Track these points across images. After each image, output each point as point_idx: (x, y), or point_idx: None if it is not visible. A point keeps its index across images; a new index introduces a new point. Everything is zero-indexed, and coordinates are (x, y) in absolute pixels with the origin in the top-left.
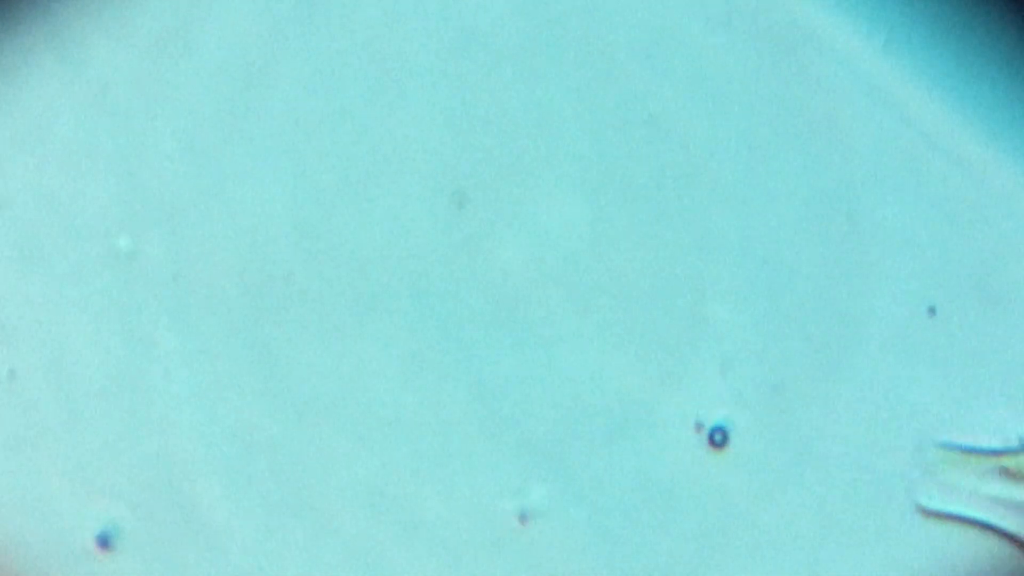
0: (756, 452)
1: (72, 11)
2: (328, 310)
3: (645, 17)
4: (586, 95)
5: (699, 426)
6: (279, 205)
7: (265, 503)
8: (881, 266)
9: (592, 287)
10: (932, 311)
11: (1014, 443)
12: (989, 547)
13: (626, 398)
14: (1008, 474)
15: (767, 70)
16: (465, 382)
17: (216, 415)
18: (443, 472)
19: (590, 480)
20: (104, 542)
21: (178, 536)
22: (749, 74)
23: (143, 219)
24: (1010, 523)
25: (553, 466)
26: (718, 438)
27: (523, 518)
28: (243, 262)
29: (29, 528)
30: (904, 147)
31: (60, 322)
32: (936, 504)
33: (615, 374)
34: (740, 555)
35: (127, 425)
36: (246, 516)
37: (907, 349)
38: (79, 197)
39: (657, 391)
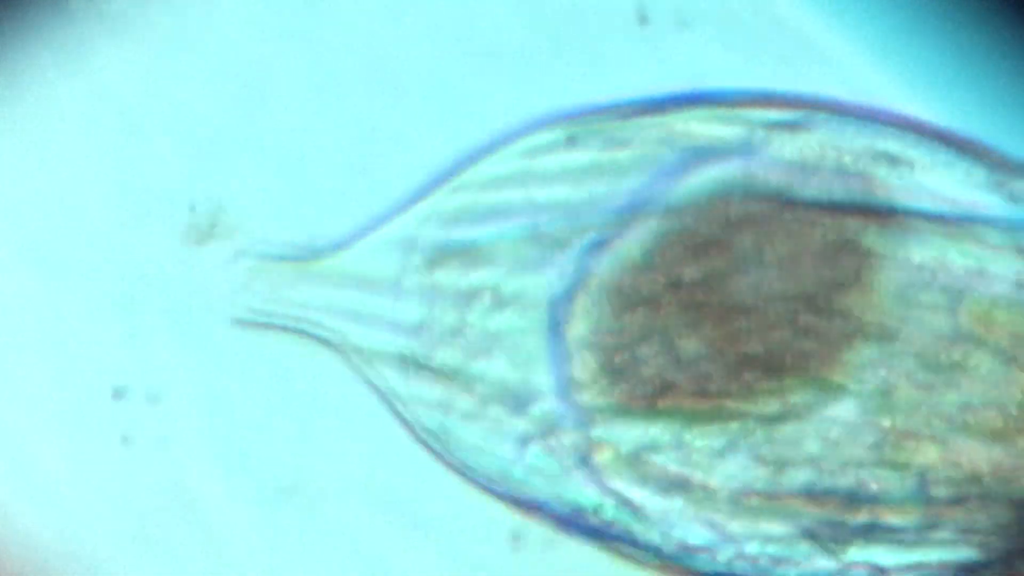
0: None
1: (73, 11)
2: None
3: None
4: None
5: None
6: (279, 205)
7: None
8: None
9: None
10: None
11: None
12: (307, 349)
13: None
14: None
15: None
16: None
17: (215, 416)
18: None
19: None
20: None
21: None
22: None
23: (143, 219)
24: (329, 321)
25: None
26: None
27: None
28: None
29: (30, 526)
30: None
31: (62, 321)
32: (251, 315)
33: None
34: None
35: (127, 423)
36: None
37: None
38: (80, 197)
39: None
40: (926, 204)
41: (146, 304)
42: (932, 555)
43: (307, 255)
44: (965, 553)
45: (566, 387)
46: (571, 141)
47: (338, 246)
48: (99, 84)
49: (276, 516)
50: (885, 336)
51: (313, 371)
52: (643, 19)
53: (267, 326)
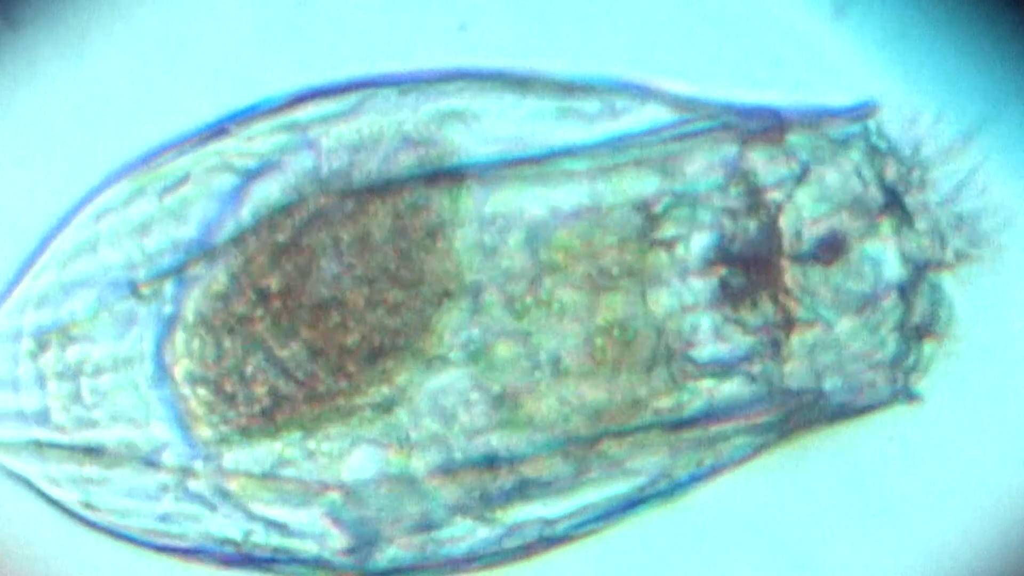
0: None
1: (73, 10)
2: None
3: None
4: None
5: None
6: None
7: None
8: None
9: None
10: None
11: None
12: None
13: None
14: None
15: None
16: None
17: None
18: None
19: None
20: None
21: None
22: None
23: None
24: None
25: None
26: None
27: None
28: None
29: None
30: None
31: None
32: None
33: None
34: None
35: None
36: None
37: None
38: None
39: None
40: (496, 152)
41: None
42: (592, 495)
43: None
44: (621, 485)
45: (186, 427)
46: None
47: None
48: (99, 84)
49: None
50: (470, 295)
51: None
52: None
53: None
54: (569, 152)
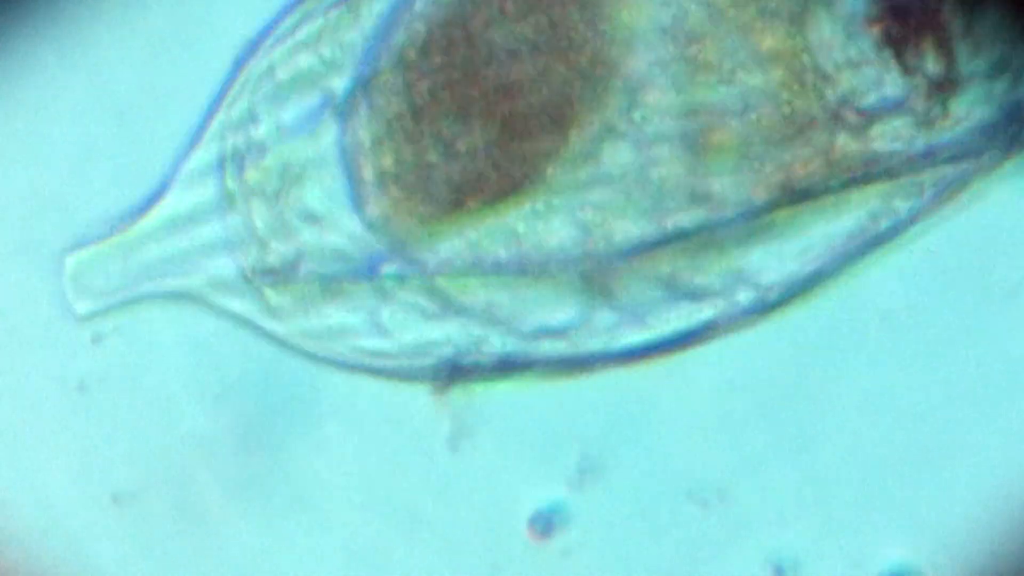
0: None
1: (73, 11)
2: None
3: None
4: None
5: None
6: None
7: (266, 502)
8: None
9: None
10: None
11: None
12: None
13: None
14: None
15: None
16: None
17: (215, 408)
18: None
19: None
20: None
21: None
22: None
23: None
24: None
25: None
26: None
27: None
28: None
29: (27, 524)
30: None
31: (61, 320)
32: (92, 305)
33: None
34: None
35: (128, 422)
36: (246, 514)
37: None
38: (79, 197)
39: None
40: None
41: None
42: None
43: (117, 224)
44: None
45: (391, 236)
46: None
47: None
48: (99, 84)
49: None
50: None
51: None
52: None
53: (118, 306)
54: None
